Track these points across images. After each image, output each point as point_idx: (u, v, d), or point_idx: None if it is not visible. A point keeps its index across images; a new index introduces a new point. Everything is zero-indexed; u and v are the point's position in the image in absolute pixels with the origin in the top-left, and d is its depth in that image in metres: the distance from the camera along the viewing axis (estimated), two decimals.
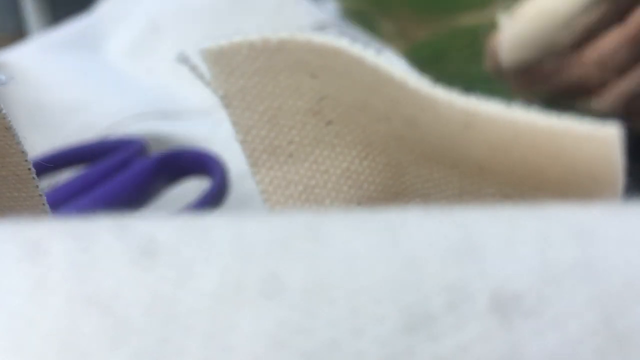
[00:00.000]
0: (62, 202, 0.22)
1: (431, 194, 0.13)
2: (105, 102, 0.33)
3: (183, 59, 0.13)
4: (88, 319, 0.07)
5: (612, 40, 0.29)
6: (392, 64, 0.11)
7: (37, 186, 0.13)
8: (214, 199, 0.23)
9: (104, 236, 0.08)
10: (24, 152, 0.12)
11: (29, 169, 0.12)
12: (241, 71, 0.12)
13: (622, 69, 0.29)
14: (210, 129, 0.30)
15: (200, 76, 0.13)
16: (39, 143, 0.31)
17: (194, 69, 0.13)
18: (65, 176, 0.26)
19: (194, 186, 0.26)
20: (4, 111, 0.12)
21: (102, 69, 0.36)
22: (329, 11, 0.47)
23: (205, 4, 0.37)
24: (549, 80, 0.32)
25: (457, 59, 0.49)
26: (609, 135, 0.09)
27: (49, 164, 0.25)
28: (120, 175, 0.24)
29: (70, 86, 0.34)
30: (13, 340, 0.07)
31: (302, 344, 0.07)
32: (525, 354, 0.07)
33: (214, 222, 0.08)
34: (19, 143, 0.12)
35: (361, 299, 0.07)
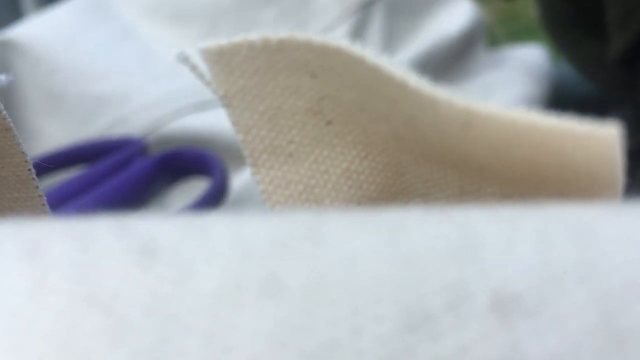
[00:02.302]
0: (62, 202, 0.22)
1: (431, 194, 0.13)
2: (137, 92, 0.30)
3: (183, 59, 0.13)
4: (88, 319, 0.07)
5: None
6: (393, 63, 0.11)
7: (37, 187, 0.13)
8: (214, 199, 0.23)
9: (104, 236, 0.08)
10: (24, 153, 0.12)
11: (29, 170, 0.12)
12: (241, 71, 0.12)
13: None
14: None
15: (200, 76, 0.13)
16: (67, 136, 0.29)
17: (194, 68, 0.13)
18: (65, 176, 0.26)
19: (194, 186, 0.26)
20: (4, 112, 0.12)
21: (123, 41, 0.32)
22: None
23: None
24: None
25: None
26: (609, 135, 0.09)
27: (49, 164, 0.25)
28: (121, 175, 0.24)
29: (93, 69, 0.31)
30: (13, 340, 0.07)
31: (302, 343, 0.07)
32: (525, 354, 0.07)
33: (214, 222, 0.08)
34: (19, 144, 0.12)
35: (361, 299, 0.07)
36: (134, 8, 0.34)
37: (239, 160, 0.28)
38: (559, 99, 0.34)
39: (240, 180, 0.27)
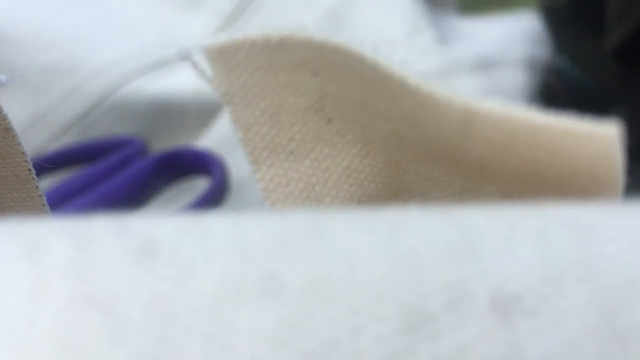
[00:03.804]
0: (62, 202, 0.22)
1: (431, 193, 0.13)
2: (88, 59, 0.29)
3: (184, 56, 0.13)
4: (88, 318, 0.07)
5: None
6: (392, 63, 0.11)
7: (37, 186, 0.13)
8: (214, 198, 0.23)
9: (103, 236, 0.08)
10: (24, 153, 0.12)
11: (29, 170, 0.12)
12: (242, 68, 0.12)
13: None
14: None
15: (202, 73, 0.13)
16: (19, 110, 0.28)
17: (195, 65, 0.13)
18: (65, 176, 0.26)
19: (194, 186, 0.26)
20: (4, 112, 0.12)
21: (82, 6, 0.32)
22: None
23: None
24: None
25: None
26: (608, 135, 0.09)
27: (49, 164, 0.25)
28: (120, 174, 0.24)
29: (40, 40, 0.30)
30: (13, 340, 0.07)
31: (302, 343, 0.07)
32: (525, 354, 0.07)
33: (214, 221, 0.08)
34: (19, 144, 0.12)
35: (361, 298, 0.07)
36: None
37: (197, 122, 0.29)
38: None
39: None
